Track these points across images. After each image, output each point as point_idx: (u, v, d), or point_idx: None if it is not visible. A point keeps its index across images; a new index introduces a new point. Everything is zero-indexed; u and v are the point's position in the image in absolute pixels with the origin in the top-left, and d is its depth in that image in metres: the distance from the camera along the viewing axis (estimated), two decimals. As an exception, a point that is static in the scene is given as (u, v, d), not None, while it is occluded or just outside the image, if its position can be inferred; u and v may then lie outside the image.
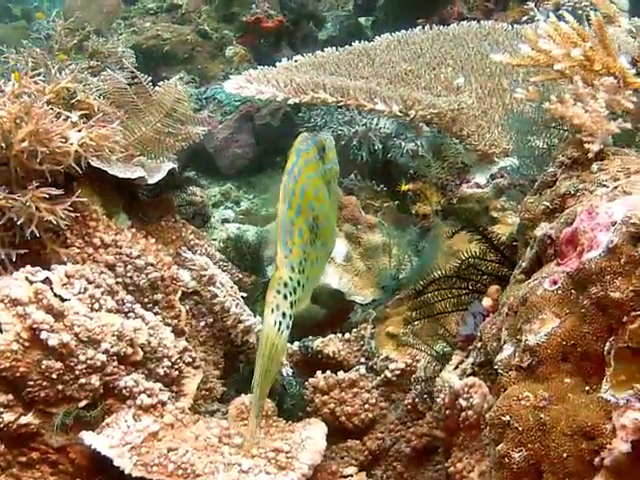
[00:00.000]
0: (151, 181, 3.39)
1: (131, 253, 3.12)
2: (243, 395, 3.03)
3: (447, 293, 2.67)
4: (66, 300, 2.73)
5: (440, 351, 2.87)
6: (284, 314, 1.93)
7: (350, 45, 6.41)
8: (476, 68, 4.32)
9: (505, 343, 1.93)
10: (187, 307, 3.24)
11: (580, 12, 5.20)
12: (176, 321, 3.16)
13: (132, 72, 3.45)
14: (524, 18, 5.50)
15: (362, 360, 3.31)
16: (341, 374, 3.11)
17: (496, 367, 1.91)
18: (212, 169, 6.19)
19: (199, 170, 5.66)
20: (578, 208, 1.92)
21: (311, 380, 3.13)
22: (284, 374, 3.17)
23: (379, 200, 4.24)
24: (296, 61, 4.42)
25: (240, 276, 3.75)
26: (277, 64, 4.40)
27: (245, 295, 3.33)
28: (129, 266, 3.10)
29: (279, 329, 1.92)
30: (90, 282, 2.90)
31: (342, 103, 3.70)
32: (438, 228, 3.74)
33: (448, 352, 2.82)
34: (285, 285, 1.94)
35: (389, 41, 4.63)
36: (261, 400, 2.02)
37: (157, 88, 3.47)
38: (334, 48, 4.60)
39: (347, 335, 3.36)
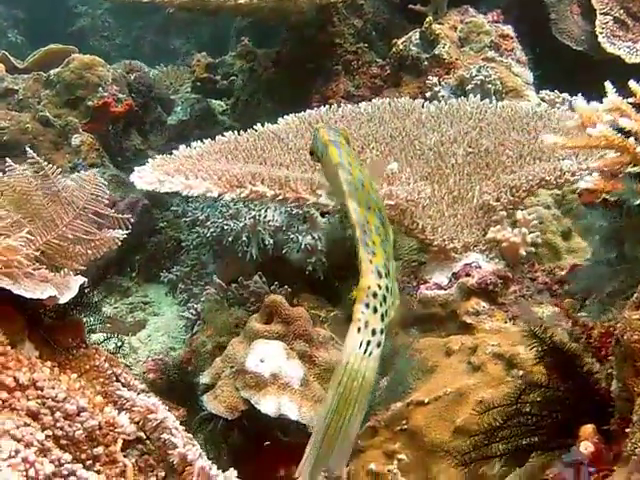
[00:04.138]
0: (62, 300, 2.80)
1: (56, 396, 2.51)
2: None
3: (507, 432, 2.24)
4: (-6, 469, 2.13)
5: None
6: (374, 331, 1.69)
7: (201, 128, 6.05)
8: (406, 150, 4.00)
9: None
10: (132, 460, 2.66)
11: (489, 86, 5.05)
12: (122, 479, 2.57)
13: (36, 162, 2.89)
14: (428, 94, 5.28)
15: (343, 507, 2.85)
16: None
17: None
18: (65, 275, 5.59)
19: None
20: None
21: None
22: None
23: (323, 310, 3.80)
24: (195, 148, 3.94)
25: (167, 408, 3.19)
26: (175, 152, 3.91)
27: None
28: (57, 413, 2.50)
29: (366, 350, 1.67)
30: (18, 440, 2.30)
31: (280, 197, 3.25)
32: (403, 339, 3.34)
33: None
34: (374, 295, 1.73)
35: (297, 124, 4.24)
36: (327, 451, 1.66)
37: (69, 182, 2.92)
38: (236, 132, 4.16)
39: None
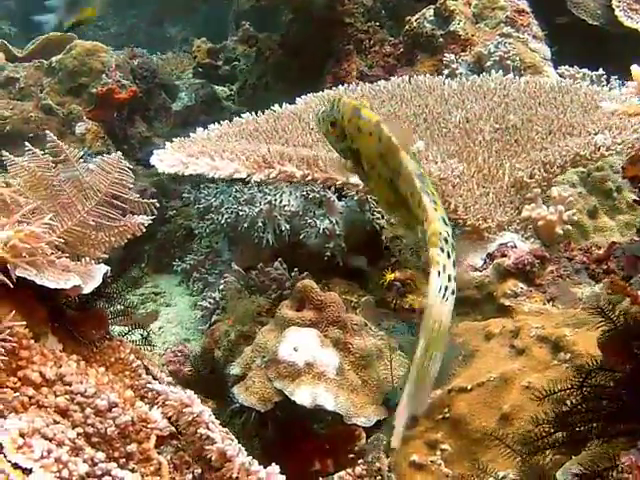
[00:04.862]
0: (86, 290, 2.65)
1: (86, 391, 2.37)
2: None
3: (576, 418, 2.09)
4: (27, 471, 1.99)
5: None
6: (449, 277, 1.70)
7: (206, 114, 5.92)
8: (431, 128, 3.85)
9: None
10: (167, 457, 2.51)
11: (508, 63, 4.91)
12: (157, 478, 2.42)
13: (56, 145, 2.73)
14: (445, 71, 5.12)
15: (387, 503, 2.70)
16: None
17: None
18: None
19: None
20: None
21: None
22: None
23: (355, 295, 3.65)
24: (213, 130, 3.79)
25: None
26: (192, 135, 3.75)
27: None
28: (88, 409, 2.35)
29: (444, 296, 1.69)
30: (49, 439, 2.16)
31: (309, 177, 3.10)
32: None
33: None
34: (446, 241, 1.74)
35: (316, 103, 4.09)
36: (419, 388, 1.75)
37: (91, 166, 2.77)
38: (253, 113, 4.01)
39: (358, 470, 2.73)
